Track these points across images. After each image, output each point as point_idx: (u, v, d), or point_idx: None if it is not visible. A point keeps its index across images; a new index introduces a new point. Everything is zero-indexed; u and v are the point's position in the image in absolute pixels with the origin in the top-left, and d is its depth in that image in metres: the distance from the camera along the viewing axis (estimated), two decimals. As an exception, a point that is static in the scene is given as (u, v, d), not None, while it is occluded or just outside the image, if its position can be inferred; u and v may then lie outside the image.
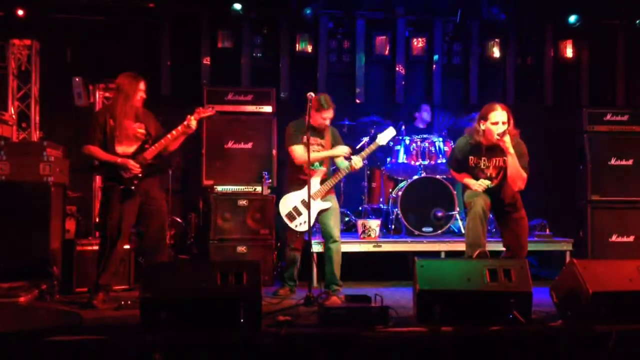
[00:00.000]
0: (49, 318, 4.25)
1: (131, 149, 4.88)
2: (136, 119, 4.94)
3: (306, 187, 5.10)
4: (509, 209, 4.98)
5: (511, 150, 4.79)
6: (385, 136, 5.42)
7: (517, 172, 4.85)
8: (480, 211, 4.81)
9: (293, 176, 5.37)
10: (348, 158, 5.40)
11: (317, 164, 5.33)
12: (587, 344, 3.92)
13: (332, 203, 5.31)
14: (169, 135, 4.88)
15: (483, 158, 5.00)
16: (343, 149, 5.34)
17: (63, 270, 5.44)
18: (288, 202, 5.31)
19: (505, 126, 4.83)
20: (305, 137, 5.06)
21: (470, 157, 5.02)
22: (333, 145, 5.39)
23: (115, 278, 5.04)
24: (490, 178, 4.97)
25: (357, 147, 7.12)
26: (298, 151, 5.29)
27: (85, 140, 4.90)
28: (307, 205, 5.12)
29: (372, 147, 5.40)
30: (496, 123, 4.86)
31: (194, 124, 4.89)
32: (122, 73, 4.99)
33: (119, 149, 4.86)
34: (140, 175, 4.83)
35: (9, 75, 7.17)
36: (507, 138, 4.77)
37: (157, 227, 4.94)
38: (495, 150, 4.95)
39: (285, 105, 7.41)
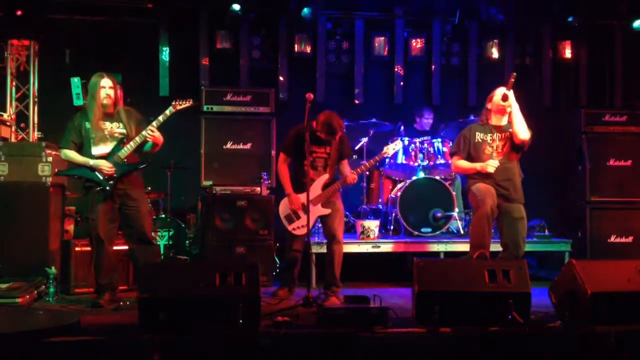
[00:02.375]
0: (47, 319, 4.25)
1: (107, 149, 4.87)
2: (113, 118, 4.92)
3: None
4: (513, 195, 5.01)
5: (514, 103, 5.08)
6: (392, 148, 5.52)
7: (521, 119, 5.07)
8: (488, 211, 4.85)
9: (294, 178, 5.36)
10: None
11: (320, 168, 5.33)
12: (586, 344, 3.92)
13: (334, 207, 5.28)
14: (143, 132, 4.84)
15: (489, 134, 5.18)
16: (350, 179, 5.28)
17: (62, 271, 5.43)
18: (288, 205, 5.31)
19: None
20: (298, 147, 5.19)
21: (477, 134, 5.20)
22: (339, 152, 5.34)
23: (115, 277, 5.03)
24: (496, 152, 5.11)
25: (356, 147, 7.13)
26: (282, 160, 5.40)
27: (62, 143, 4.92)
28: (306, 209, 5.12)
29: (377, 158, 5.47)
30: (505, 97, 5.15)
31: (154, 132, 4.83)
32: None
33: (95, 150, 4.85)
34: (114, 175, 4.82)
35: (7, 76, 7.17)
36: (511, 93, 5.06)
37: (141, 228, 4.92)
38: (501, 127, 5.17)
39: (284, 106, 7.42)
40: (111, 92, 4.91)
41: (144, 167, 5.01)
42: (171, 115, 4.90)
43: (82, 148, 4.88)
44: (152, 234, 5.08)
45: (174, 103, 4.92)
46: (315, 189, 5.23)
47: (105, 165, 4.79)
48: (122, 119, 4.93)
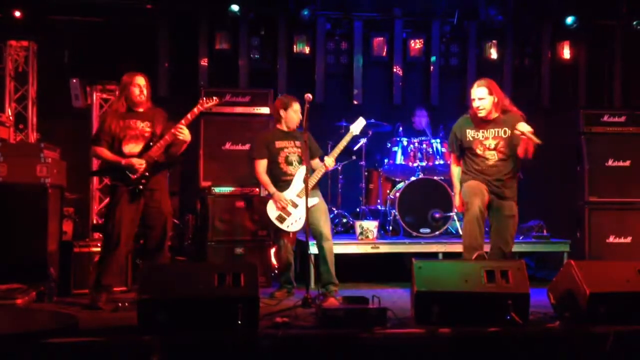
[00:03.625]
0: (46, 320, 4.25)
1: (137, 148, 4.85)
2: (143, 117, 4.91)
3: (290, 187, 5.25)
4: (505, 193, 4.93)
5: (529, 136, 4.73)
6: (357, 126, 5.40)
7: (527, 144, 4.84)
8: (477, 212, 4.79)
9: (274, 179, 5.36)
10: (322, 159, 5.42)
11: (295, 162, 5.33)
12: (584, 345, 3.92)
13: (318, 200, 5.27)
14: (172, 130, 4.81)
15: (481, 130, 4.99)
16: (328, 163, 5.29)
17: (60, 272, 5.42)
18: (275, 206, 5.29)
19: (482, 101, 4.91)
20: (269, 148, 5.31)
21: (468, 131, 5.02)
22: (308, 145, 5.32)
23: (117, 279, 5.03)
24: (489, 150, 4.95)
25: (355, 148, 7.14)
26: (259, 167, 5.36)
27: (93, 141, 4.92)
28: (295, 205, 5.21)
29: (347, 137, 5.35)
30: (473, 100, 4.97)
31: (183, 130, 4.82)
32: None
33: (126, 148, 4.84)
34: (147, 174, 4.81)
35: (6, 77, 7.16)
36: (522, 127, 4.73)
37: (161, 229, 4.91)
38: (492, 121, 4.98)
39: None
40: (145, 90, 4.92)
41: (174, 167, 4.99)
42: (200, 113, 4.90)
43: (113, 146, 4.86)
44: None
45: (201, 101, 4.93)
46: (298, 183, 5.24)
47: (138, 163, 4.77)
48: (151, 117, 4.93)
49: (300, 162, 5.34)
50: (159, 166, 4.90)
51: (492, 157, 4.94)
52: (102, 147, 4.86)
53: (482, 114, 4.94)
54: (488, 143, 4.96)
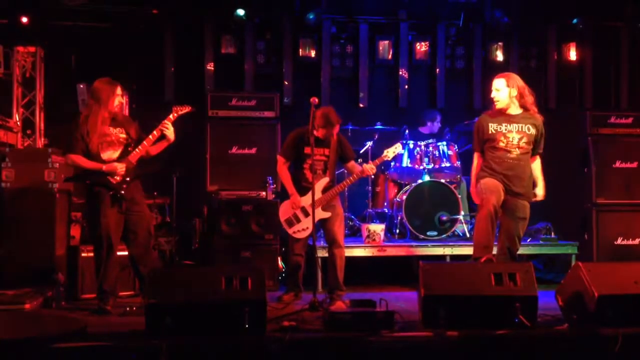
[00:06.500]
0: (54, 325, 4.26)
1: (116, 154, 4.90)
2: (116, 124, 4.96)
3: (307, 194, 5.20)
4: (520, 190, 4.97)
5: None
6: (391, 152, 5.41)
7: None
8: (492, 209, 4.80)
9: (294, 182, 5.36)
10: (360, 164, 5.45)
11: (320, 171, 5.31)
12: (593, 347, 3.91)
13: (334, 211, 5.26)
14: (150, 136, 4.89)
15: (504, 124, 5.04)
16: (368, 170, 5.26)
17: (68, 277, 5.44)
18: (288, 208, 5.31)
19: (498, 93, 5.01)
20: (297, 150, 5.28)
21: (490, 124, 5.07)
22: (338, 154, 5.37)
23: (118, 283, 5.05)
24: (511, 144, 5.01)
25: (361, 151, 7.14)
26: (281, 164, 5.39)
27: (68, 149, 4.91)
28: (306, 212, 5.19)
29: (377, 161, 5.38)
30: (491, 91, 5.08)
31: (169, 125, 4.90)
32: (98, 79, 4.99)
33: (104, 155, 4.88)
34: (127, 179, 4.86)
35: (13, 83, 7.19)
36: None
37: (145, 233, 4.96)
38: (516, 116, 5.05)
39: (288, 111, 7.42)
40: (122, 100, 5.03)
41: (153, 172, 5.07)
42: (174, 120, 4.96)
43: (90, 153, 4.88)
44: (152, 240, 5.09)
45: (174, 108, 5.02)
46: (316, 193, 5.18)
47: (120, 168, 4.82)
48: (121, 123, 5.00)
49: (325, 172, 5.34)
50: (137, 171, 4.94)
51: (515, 150, 4.99)
52: (79, 155, 4.87)
53: (498, 105, 5.02)
54: (512, 136, 5.00)
